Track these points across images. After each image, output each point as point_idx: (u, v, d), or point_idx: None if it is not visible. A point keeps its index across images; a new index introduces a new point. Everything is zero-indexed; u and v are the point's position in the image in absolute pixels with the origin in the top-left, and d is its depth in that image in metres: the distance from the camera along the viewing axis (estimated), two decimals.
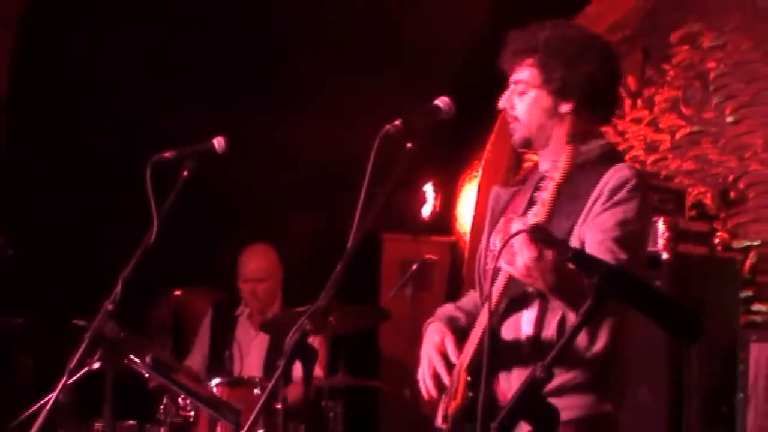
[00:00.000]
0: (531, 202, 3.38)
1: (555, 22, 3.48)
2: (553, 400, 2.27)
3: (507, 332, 3.32)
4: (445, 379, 3.40)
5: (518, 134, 3.47)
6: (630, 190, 3.25)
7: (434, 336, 3.53)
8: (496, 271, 3.23)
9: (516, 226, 2.87)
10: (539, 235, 2.79)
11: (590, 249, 3.16)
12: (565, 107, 3.40)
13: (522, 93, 3.43)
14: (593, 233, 3.21)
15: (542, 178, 3.29)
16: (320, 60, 7.27)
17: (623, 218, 3.21)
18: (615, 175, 3.28)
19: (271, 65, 7.23)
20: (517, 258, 2.91)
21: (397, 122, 3.24)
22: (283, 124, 7.22)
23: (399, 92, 6.20)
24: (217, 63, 6.82)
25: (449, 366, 3.43)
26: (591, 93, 3.40)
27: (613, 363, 3.30)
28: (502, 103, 3.49)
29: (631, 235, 3.21)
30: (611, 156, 3.42)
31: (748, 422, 5.35)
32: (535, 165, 3.60)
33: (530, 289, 3.23)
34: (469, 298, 3.73)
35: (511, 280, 3.11)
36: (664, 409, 5.53)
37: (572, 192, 3.25)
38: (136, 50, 6.70)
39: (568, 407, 3.16)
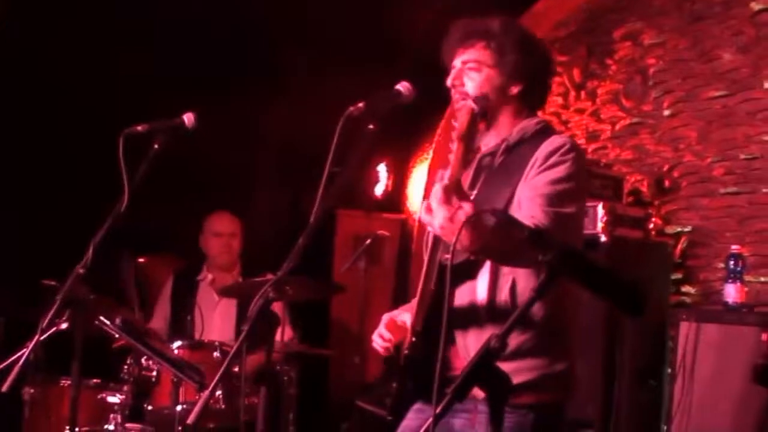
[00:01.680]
0: (474, 181, 3.42)
1: (503, 16, 3.53)
2: (507, 364, 2.29)
3: (460, 296, 3.32)
4: (387, 334, 3.46)
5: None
6: (563, 153, 3.28)
7: (395, 311, 3.60)
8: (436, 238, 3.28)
9: (434, 191, 2.92)
10: (451, 192, 2.83)
11: (522, 206, 3.19)
12: (514, 89, 3.45)
13: (474, 70, 3.45)
14: (525, 192, 3.23)
15: (483, 157, 3.32)
16: (289, 44, 7.23)
17: (554, 177, 3.24)
18: (550, 143, 3.32)
19: (243, 49, 7.18)
20: (434, 220, 2.94)
21: (360, 105, 3.24)
22: (253, 104, 7.18)
23: (362, 76, 6.18)
24: (191, 44, 6.76)
25: (400, 332, 3.46)
26: (536, 80, 3.49)
27: (560, 325, 3.33)
28: (450, 81, 3.50)
29: (563, 193, 3.22)
30: (547, 130, 3.46)
31: (674, 395, 5.40)
32: (477, 148, 3.60)
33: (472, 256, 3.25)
34: None
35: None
36: (599, 382, 5.59)
37: (510, 164, 3.30)
38: (111, 28, 6.62)
39: (523, 369, 3.20)
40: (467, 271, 3.30)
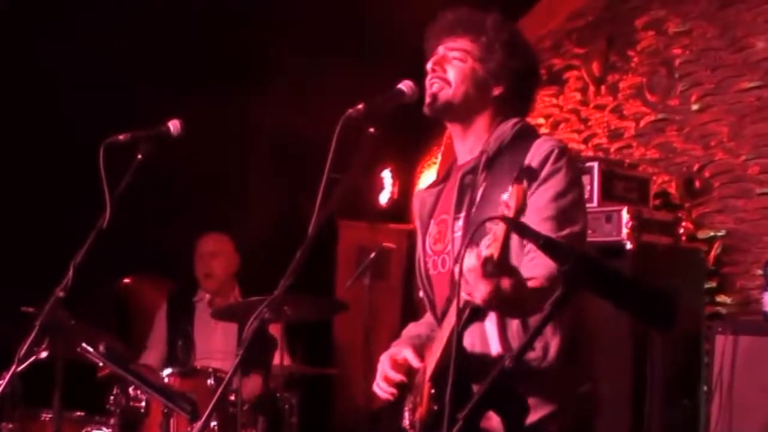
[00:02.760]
0: (459, 202, 3.42)
1: (497, 13, 3.55)
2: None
3: (472, 343, 3.32)
4: (397, 378, 3.42)
5: (443, 95, 3.45)
6: (554, 161, 3.27)
7: (392, 350, 3.54)
8: (440, 277, 3.28)
9: (468, 261, 2.89)
10: (491, 268, 2.82)
11: None
12: (496, 90, 3.46)
13: (459, 60, 3.46)
14: (532, 215, 3.22)
15: (465, 174, 3.32)
16: (279, 38, 7.24)
17: (554, 192, 3.23)
18: (537, 151, 3.30)
19: (229, 44, 7.19)
20: (475, 293, 2.93)
21: (359, 106, 3.23)
22: (241, 105, 7.18)
23: (358, 73, 6.19)
24: (174, 42, 6.77)
25: (406, 369, 3.44)
26: (519, 86, 3.49)
27: (580, 342, 3.32)
28: (431, 65, 3.50)
29: (567, 208, 3.23)
30: (527, 133, 3.45)
31: (711, 416, 5.39)
32: (454, 160, 3.61)
33: None
34: (429, 317, 3.73)
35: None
36: (628, 402, 5.58)
37: (496, 180, 3.30)
38: (90, 30, 6.63)
39: (543, 398, 3.19)
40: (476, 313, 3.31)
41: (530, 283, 3.04)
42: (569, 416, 3.28)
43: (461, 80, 3.45)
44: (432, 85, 3.47)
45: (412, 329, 3.70)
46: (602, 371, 3.42)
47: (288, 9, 7.10)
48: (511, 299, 2.90)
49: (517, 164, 3.27)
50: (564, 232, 3.17)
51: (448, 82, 3.45)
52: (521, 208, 2.66)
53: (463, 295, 2.99)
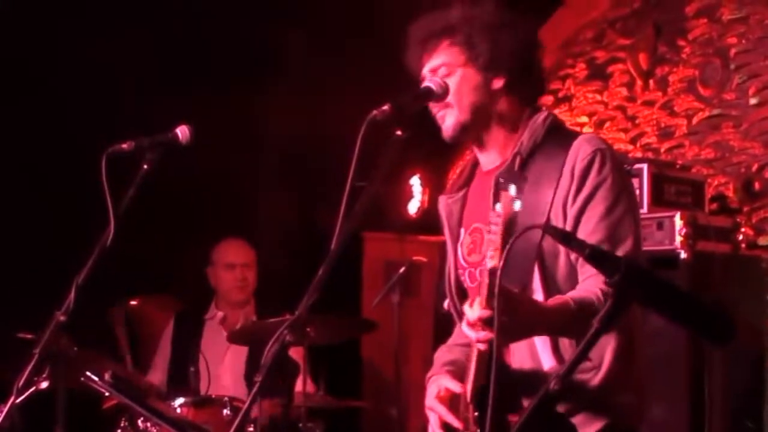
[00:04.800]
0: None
1: (462, 2, 3.54)
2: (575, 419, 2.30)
3: (521, 359, 3.33)
4: (455, 423, 3.38)
5: (451, 120, 3.47)
6: (599, 168, 3.29)
7: (432, 388, 3.51)
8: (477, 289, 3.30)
9: (470, 313, 2.96)
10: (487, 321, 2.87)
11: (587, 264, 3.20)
12: (498, 83, 3.46)
13: (447, 75, 3.46)
14: (583, 237, 3.22)
15: (497, 183, 3.32)
16: (291, 39, 7.27)
17: (604, 208, 3.26)
18: (578, 155, 3.32)
19: (238, 46, 7.23)
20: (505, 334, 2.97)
21: (385, 107, 3.24)
22: (251, 110, 7.21)
23: (378, 73, 6.19)
24: (181, 43, 6.80)
25: (456, 405, 3.43)
26: (520, 65, 3.47)
27: (630, 363, 3.33)
28: None
29: (620, 222, 3.26)
30: (558, 127, 3.47)
31: None
32: (475, 160, 3.64)
33: None
34: (459, 330, 3.72)
35: None
36: (684, 426, 5.56)
37: (535, 180, 3.29)
38: (93, 33, 6.67)
39: (589, 418, 3.20)
40: None
41: (552, 301, 3.12)
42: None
43: (458, 95, 3.45)
44: (435, 114, 3.48)
45: (446, 355, 3.68)
46: (656, 390, 3.41)
47: (300, 9, 7.12)
48: (519, 328, 3.00)
49: (556, 168, 3.29)
50: (623, 253, 3.19)
51: (447, 105, 3.46)
52: (511, 220, 2.71)
53: (479, 346, 3.06)
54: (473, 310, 2.98)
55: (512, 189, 2.86)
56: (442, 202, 3.73)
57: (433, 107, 3.48)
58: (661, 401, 4.47)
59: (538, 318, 3.08)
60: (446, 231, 3.70)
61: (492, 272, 2.90)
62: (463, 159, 8.59)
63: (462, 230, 3.61)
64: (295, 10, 7.22)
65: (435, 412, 3.42)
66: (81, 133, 5.91)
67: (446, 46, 3.47)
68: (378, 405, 7.48)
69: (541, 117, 3.46)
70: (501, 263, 2.82)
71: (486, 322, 2.92)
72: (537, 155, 3.38)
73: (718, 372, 5.65)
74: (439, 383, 3.46)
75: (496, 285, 2.85)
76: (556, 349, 3.27)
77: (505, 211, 2.87)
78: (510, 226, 2.87)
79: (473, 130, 3.49)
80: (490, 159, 3.53)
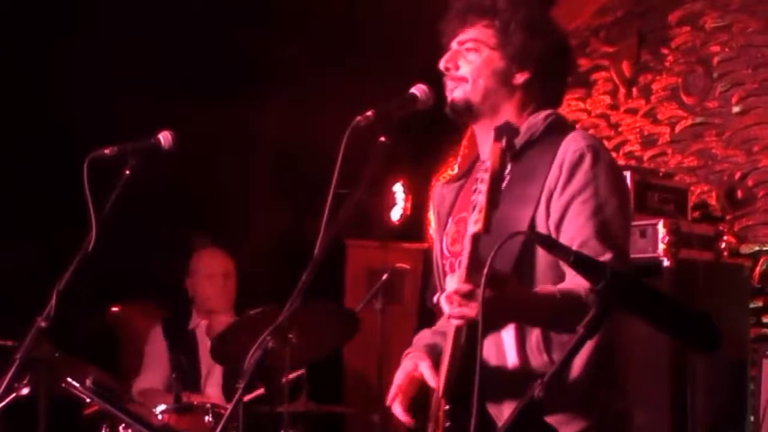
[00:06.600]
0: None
1: None
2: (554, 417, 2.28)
3: (487, 353, 3.30)
4: (409, 422, 3.39)
5: (460, 94, 3.43)
6: (590, 164, 3.24)
7: (407, 363, 3.50)
8: None
9: (450, 283, 2.93)
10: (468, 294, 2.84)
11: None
12: (520, 78, 3.42)
13: (473, 50, 3.43)
14: (570, 234, 3.20)
15: (486, 169, 3.30)
16: (281, 46, 7.26)
17: (594, 206, 3.21)
18: (568, 149, 3.27)
19: (229, 52, 7.22)
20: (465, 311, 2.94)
21: (369, 113, 3.21)
22: (243, 113, 7.19)
23: (366, 80, 6.20)
24: (170, 50, 6.79)
25: (418, 386, 3.43)
26: (546, 69, 3.44)
27: (613, 367, 3.31)
28: (443, 63, 3.46)
29: (610, 221, 3.22)
30: (559, 126, 3.42)
31: None
32: (478, 155, 3.59)
33: None
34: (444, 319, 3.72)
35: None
36: None
37: (524, 175, 3.27)
38: (84, 36, 6.65)
39: (570, 419, 3.19)
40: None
41: (539, 289, 3.09)
42: None
43: (477, 74, 3.41)
44: (448, 85, 3.46)
45: (428, 337, 3.64)
46: (638, 398, 3.40)
47: (291, 16, 7.12)
48: (502, 308, 2.93)
49: (547, 161, 3.27)
50: (607, 256, 3.15)
51: (463, 79, 3.43)
52: (499, 174, 2.69)
53: (453, 322, 3.03)
54: (452, 280, 2.95)
55: (504, 142, 2.84)
56: (437, 189, 3.70)
57: (446, 78, 3.44)
58: (644, 408, 4.45)
59: (524, 303, 3.06)
60: (435, 219, 3.67)
61: (474, 238, 2.88)
62: (465, 146, 8.62)
63: (450, 219, 3.58)
64: (287, 20, 7.21)
65: (395, 384, 3.46)
66: (67, 138, 5.89)
67: (482, 26, 3.43)
68: (360, 411, 7.46)
69: (543, 113, 3.42)
70: (482, 227, 2.80)
71: (465, 296, 2.89)
72: (532, 148, 3.34)
73: (701, 379, 5.66)
74: (418, 364, 3.43)
75: (477, 251, 2.84)
76: (521, 347, 3.25)
77: (493, 165, 2.84)
78: (496, 183, 2.84)
79: (478, 114, 3.44)
80: (487, 146, 3.50)
